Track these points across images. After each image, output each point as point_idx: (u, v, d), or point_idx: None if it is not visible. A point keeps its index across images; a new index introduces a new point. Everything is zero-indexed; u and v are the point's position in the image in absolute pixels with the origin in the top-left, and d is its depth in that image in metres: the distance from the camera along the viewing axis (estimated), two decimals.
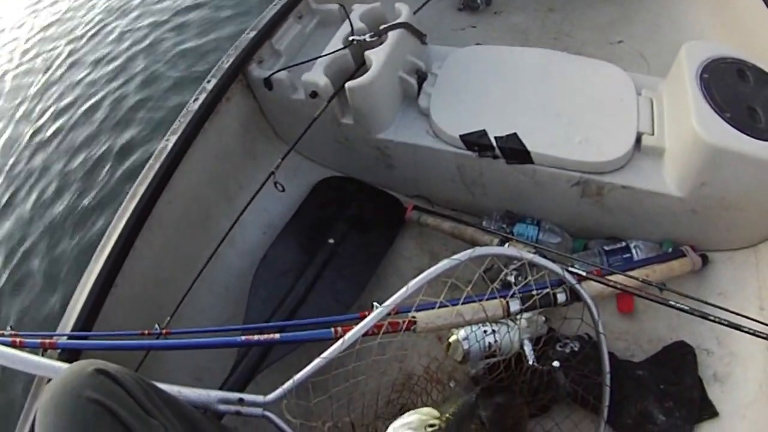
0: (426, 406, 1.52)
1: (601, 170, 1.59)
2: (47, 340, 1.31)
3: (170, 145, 1.70)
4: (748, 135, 1.38)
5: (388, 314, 1.14)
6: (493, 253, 1.21)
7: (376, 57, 1.74)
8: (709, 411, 1.42)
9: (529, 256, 1.21)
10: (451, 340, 1.39)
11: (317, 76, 1.78)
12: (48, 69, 4.36)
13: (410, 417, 0.93)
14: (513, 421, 1.45)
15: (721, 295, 1.59)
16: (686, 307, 1.29)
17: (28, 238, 3.12)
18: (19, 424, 1.22)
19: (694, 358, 1.50)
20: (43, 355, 1.28)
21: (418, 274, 1.14)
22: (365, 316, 1.13)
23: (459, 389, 1.33)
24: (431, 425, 0.90)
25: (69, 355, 1.31)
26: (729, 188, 1.46)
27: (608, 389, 1.31)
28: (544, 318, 1.48)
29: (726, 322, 1.25)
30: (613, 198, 1.62)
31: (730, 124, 1.40)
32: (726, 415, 1.40)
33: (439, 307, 1.23)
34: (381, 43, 1.80)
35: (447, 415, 1.02)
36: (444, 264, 1.14)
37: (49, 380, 1.08)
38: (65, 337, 1.35)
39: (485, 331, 1.36)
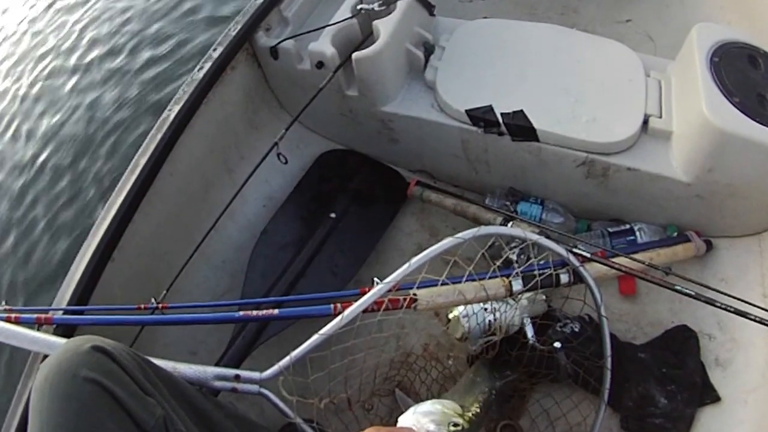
0: (424, 384, 1.53)
1: (607, 151, 1.57)
2: (43, 315, 1.29)
3: (173, 116, 1.67)
4: (757, 122, 1.36)
5: (389, 291, 1.12)
6: (498, 233, 1.19)
7: (384, 27, 1.70)
8: (711, 395, 1.42)
9: (534, 237, 1.19)
10: (450, 317, 1.38)
11: (324, 46, 1.74)
12: (52, 32, 4.28)
13: (433, 406, 0.91)
14: (514, 391, 1.46)
15: (724, 281, 1.58)
16: (691, 292, 1.27)
17: (24, 211, 3.07)
18: (13, 404, 1.20)
19: (696, 343, 1.50)
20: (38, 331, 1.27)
21: (418, 251, 1.11)
22: (365, 293, 1.11)
23: (479, 378, 1.33)
24: (455, 424, 0.88)
25: (65, 330, 1.30)
26: (736, 175, 1.44)
27: (609, 373, 1.30)
28: (544, 297, 1.47)
29: (729, 308, 1.24)
30: (619, 179, 1.60)
31: (740, 110, 1.38)
32: (728, 400, 1.40)
33: (441, 285, 1.21)
34: (389, 13, 1.76)
35: (470, 414, 1.01)
36: (448, 241, 1.11)
37: (44, 358, 1.07)
38: (60, 312, 1.33)
39: (485, 309, 1.35)
